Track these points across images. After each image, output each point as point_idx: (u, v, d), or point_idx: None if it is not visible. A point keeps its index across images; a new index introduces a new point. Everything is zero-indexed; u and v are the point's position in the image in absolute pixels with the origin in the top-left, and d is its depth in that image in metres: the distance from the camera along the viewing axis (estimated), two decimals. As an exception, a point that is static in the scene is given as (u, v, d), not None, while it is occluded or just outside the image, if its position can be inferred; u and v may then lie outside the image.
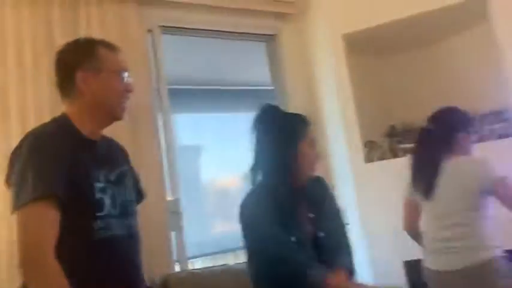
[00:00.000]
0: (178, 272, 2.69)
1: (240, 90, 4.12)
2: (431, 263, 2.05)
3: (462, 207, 1.99)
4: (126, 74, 1.38)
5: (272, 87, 3.65)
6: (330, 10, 3.36)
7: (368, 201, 3.11)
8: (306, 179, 1.63)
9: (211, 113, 3.99)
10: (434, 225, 2.08)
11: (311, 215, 1.57)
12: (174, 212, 2.80)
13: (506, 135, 3.02)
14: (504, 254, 1.97)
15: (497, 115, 3.23)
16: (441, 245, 2.02)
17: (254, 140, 1.66)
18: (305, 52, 3.57)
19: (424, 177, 2.09)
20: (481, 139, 3.01)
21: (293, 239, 1.48)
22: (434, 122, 2.18)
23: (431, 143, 2.10)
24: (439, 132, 2.11)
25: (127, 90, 1.38)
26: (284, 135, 1.58)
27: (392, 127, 3.50)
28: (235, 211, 1.63)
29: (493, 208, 2.04)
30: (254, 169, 1.64)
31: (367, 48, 3.50)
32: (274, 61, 3.61)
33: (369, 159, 3.23)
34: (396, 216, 2.29)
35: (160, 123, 2.91)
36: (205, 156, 3.82)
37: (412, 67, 3.68)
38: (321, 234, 1.55)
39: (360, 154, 3.21)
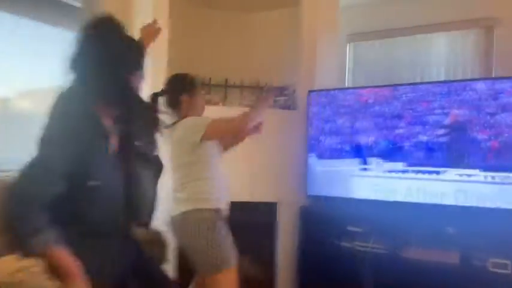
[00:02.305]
0: None
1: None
2: (170, 211, 2.30)
3: (183, 162, 2.25)
4: None
5: (79, 5, 3.34)
6: None
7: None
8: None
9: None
10: (174, 179, 2.33)
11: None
12: None
13: (287, 107, 3.57)
14: (216, 208, 2.20)
15: (282, 89, 3.70)
16: (173, 195, 2.30)
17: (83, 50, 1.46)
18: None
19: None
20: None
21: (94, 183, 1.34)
22: (165, 86, 2.39)
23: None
24: (167, 95, 2.33)
25: None
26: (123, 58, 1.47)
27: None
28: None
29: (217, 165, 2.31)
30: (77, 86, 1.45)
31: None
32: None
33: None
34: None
35: None
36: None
37: (227, 28, 3.89)
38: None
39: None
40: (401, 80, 4.24)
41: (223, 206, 2.26)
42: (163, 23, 3.17)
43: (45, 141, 1.31)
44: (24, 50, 3.07)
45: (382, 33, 4.46)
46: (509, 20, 3.77)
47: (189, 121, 2.26)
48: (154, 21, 2.25)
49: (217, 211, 2.20)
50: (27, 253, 1.24)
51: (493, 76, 3.76)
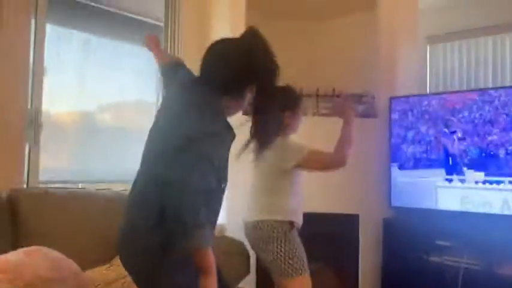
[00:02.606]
0: (30, 188, 2.45)
1: (124, 16, 3.79)
2: (244, 216, 2.33)
3: (268, 176, 2.26)
4: None
5: (161, 23, 3.46)
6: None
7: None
8: None
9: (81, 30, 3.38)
10: (254, 186, 2.34)
11: None
12: (32, 123, 2.56)
13: (366, 115, 3.45)
14: (290, 220, 2.22)
15: (359, 97, 3.60)
16: (250, 199, 2.32)
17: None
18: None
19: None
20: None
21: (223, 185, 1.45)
22: None
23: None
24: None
25: None
26: None
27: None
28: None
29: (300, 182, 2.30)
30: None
31: (267, 9, 3.56)
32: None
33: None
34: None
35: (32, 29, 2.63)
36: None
37: (301, 37, 3.87)
38: None
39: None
40: (486, 84, 4.00)
41: (298, 219, 2.27)
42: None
43: (199, 141, 1.34)
44: (106, 66, 3.24)
45: (463, 33, 4.22)
46: None
47: (286, 144, 2.23)
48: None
49: (290, 223, 2.22)
50: (185, 245, 1.30)
51: None
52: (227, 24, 3.27)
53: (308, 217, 2.34)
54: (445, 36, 4.33)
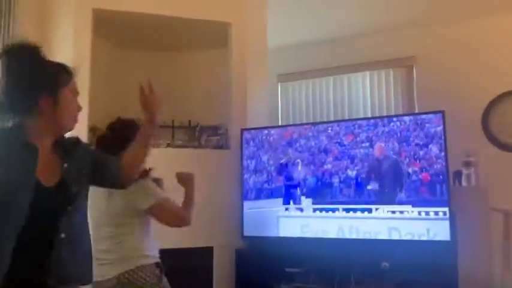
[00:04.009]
0: None
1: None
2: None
3: (115, 220, 2.06)
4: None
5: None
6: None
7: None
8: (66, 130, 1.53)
9: None
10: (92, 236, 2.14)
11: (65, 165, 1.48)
12: None
13: (220, 147, 3.52)
14: (156, 262, 2.06)
15: (215, 129, 3.65)
16: (97, 255, 2.03)
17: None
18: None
19: None
20: (200, 147, 3.52)
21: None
22: (111, 131, 2.19)
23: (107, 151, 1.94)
24: (115, 140, 2.06)
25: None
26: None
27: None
28: None
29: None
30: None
31: (115, 34, 3.45)
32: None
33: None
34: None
35: None
36: None
37: (152, 68, 3.80)
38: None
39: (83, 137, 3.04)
40: (329, 118, 4.36)
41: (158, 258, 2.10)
42: (85, 64, 3.03)
43: None
44: None
45: (310, 73, 4.60)
46: (426, 59, 4.02)
47: (146, 184, 2.05)
48: None
49: (158, 265, 2.04)
50: None
51: (416, 111, 3.95)
52: (70, 49, 3.08)
53: (163, 254, 2.22)
54: (294, 75, 4.67)
